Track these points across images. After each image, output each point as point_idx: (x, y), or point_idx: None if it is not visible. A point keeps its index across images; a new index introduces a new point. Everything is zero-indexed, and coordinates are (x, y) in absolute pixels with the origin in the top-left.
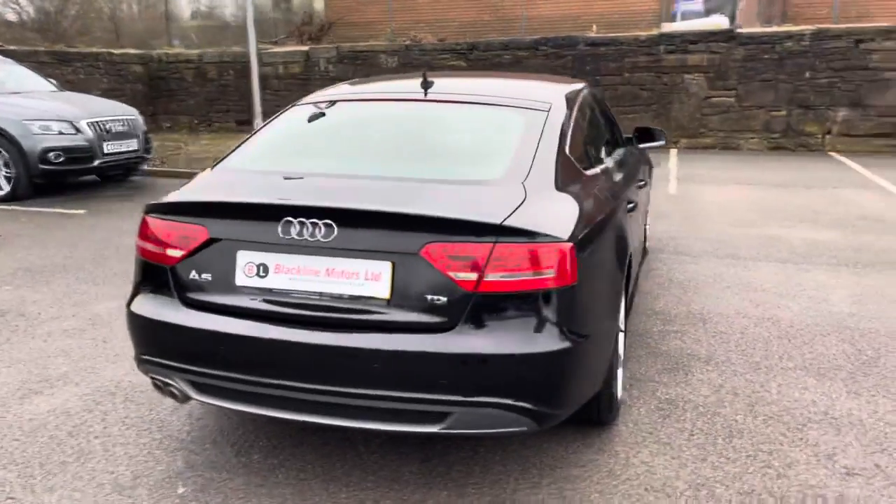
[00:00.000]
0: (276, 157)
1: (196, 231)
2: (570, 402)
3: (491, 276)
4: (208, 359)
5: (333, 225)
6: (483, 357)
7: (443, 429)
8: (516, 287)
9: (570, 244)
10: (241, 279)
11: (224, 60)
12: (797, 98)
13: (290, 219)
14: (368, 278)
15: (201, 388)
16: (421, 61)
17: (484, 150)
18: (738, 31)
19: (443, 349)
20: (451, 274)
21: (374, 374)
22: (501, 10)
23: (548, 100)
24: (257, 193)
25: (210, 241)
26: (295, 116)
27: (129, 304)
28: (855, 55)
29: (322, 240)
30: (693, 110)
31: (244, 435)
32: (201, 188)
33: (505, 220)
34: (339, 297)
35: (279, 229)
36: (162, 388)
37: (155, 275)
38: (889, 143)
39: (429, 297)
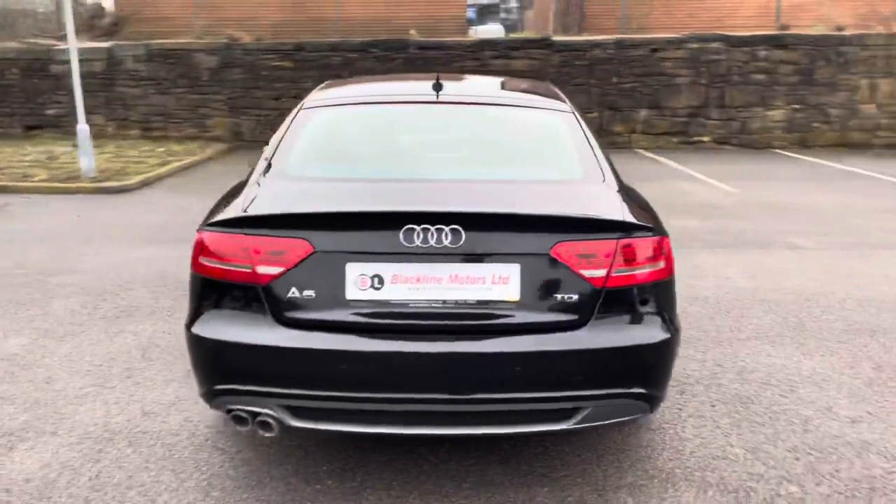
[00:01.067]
0: (339, 163)
1: (296, 245)
2: (668, 385)
3: (617, 272)
4: (312, 380)
5: (461, 230)
6: (617, 350)
7: (574, 424)
8: (637, 280)
9: (668, 237)
10: (352, 293)
11: (7, 58)
12: (606, 101)
13: (412, 226)
14: (496, 282)
15: (300, 413)
16: (244, 61)
17: (541, 150)
18: (554, 38)
19: (579, 346)
20: (582, 272)
21: (507, 377)
22: (312, 10)
23: (561, 100)
24: (367, 202)
25: (313, 255)
26: (320, 121)
27: (191, 330)
28: (652, 62)
29: (450, 246)
30: None
31: (299, 462)
32: (289, 199)
33: (625, 217)
34: (465, 304)
35: (400, 237)
36: (248, 420)
37: (232, 295)
38: (682, 139)
39: (559, 296)
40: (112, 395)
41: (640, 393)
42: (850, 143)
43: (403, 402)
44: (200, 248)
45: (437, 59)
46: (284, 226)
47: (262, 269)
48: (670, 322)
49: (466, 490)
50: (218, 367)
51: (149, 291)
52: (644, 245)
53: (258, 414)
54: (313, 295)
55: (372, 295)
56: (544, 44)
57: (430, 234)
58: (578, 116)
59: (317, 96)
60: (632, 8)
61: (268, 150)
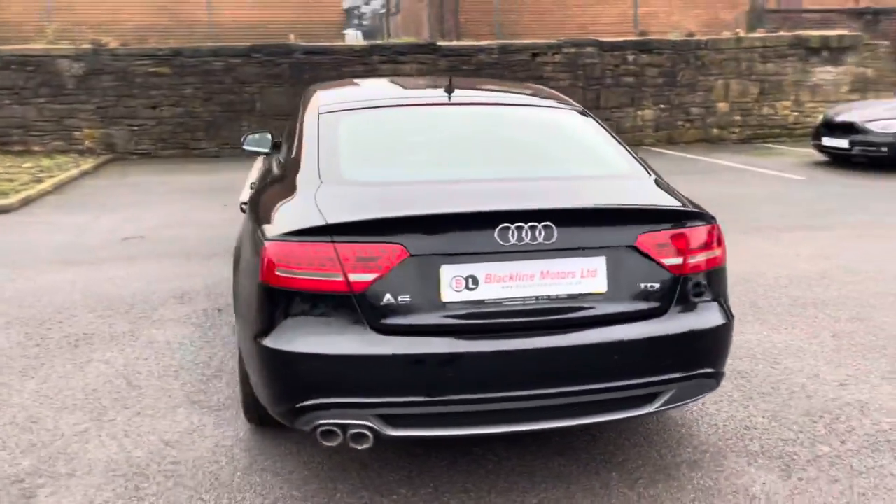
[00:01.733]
0: (392, 167)
1: (390, 250)
2: None
3: (691, 259)
4: (410, 386)
5: (553, 226)
6: (696, 334)
7: (657, 408)
8: (705, 267)
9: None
10: (448, 295)
11: None
12: None
13: (506, 225)
14: (584, 275)
15: (395, 422)
16: (114, 68)
17: (578, 148)
18: (440, 44)
19: (664, 333)
20: (663, 261)
21: (599, 368)
22: (180, 13)
23: (567, 101)
24: (457, 203)
25: (407, 259)
26: (349, 124)
27: (265, 345)
28: (534, 66)
29: (544, 242)
30: None
31: (361, 475)
32: (373, 204)
33: (690, 207)
34: (556, 299)
35: (496, 236)
36: (338, 434)
37: (318, 305)
38: None
39: (643, 285)
40: (117, 429)
41: (711, 372)
42: (710, 139)
43: (501, 401)
44: (277, 260)
45: (324, 63)
46: (376, 231)
47: (355, 277)
48: (727, 304)
49: (542, 484)
50: (307, 382)
51: (96, 316)
52: (708, 233)
53: (349, 427)
54: (408, 300)
55: (467, 296)
56: (430, 48)
57: (524, 232)
58: (593, 116)
59: (326, 100)
60: (503, 15)
61: (304, 155)
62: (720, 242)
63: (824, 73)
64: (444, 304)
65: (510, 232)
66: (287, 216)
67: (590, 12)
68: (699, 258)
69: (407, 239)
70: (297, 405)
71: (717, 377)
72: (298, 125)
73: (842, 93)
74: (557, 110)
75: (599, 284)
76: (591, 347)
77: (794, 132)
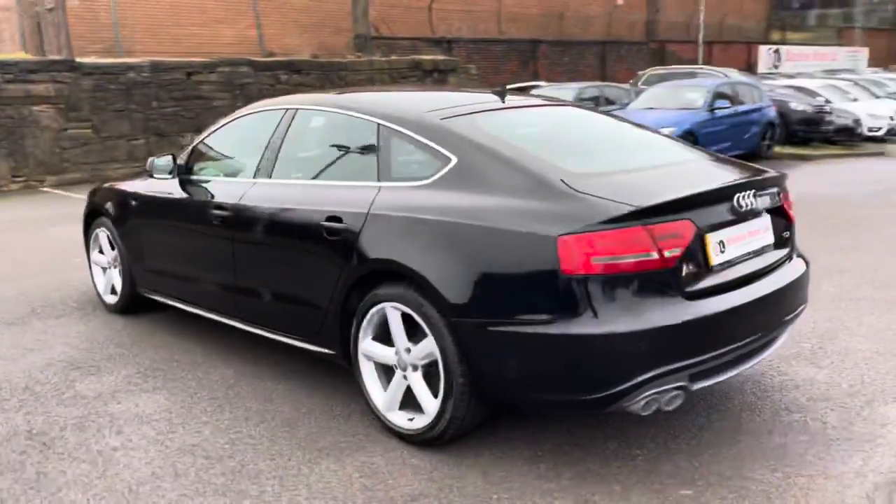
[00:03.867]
0: (569, 158)
1: (686, 226)
2: None
3: (791, 211)
4: (712, 342)
5: (756, 194)
6: (805, 274)
7: (783, 340)
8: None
9: None
10: (713, 259)
11: None
12: (151, 126)
13: (740, 195)
14: (764, 231)
15: (698, 377)
16: None
17: (647, 136)
18: (81, 61)
19: (801, 272)
20: (791, 214)
21: (786, 304)
22: None
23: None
24: (712, 181)
25: (695, 232)
26: (496, 124)
27: (586, 332)
28: (189, 86)
29: (756, 208)
30: (50, 145)
31: (483, 444)
32: (659, 187)
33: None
34: (758, 252)
35: (735, 206)
36: (657, 401)
37: (632, 284)
38: None
39: (783, 235)
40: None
41: (804, 308)
42: None
43: (755, 341)
44: (591, 249)
45: None
46: (673, 211)
47: (668, 253)
48: None
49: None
50: (637, 360)
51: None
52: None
53: (667, 392)
54: (692, 268)
55: (721, 258)
56: (70, 66)
57: (748, 200)
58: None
59: (428, 106)
60: (110, 31)
61: (491, 156)
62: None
63: None
64: (711, 267)
65: (740, 201)
66: (572, 207)
67: (206, 32)
68: (792, 211)
69: (693, 215)
70: (627, 385)
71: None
72: (401, 135)
73: None
74: (585, 110)
75: (770, 237)
76: (786, 287)
77: None
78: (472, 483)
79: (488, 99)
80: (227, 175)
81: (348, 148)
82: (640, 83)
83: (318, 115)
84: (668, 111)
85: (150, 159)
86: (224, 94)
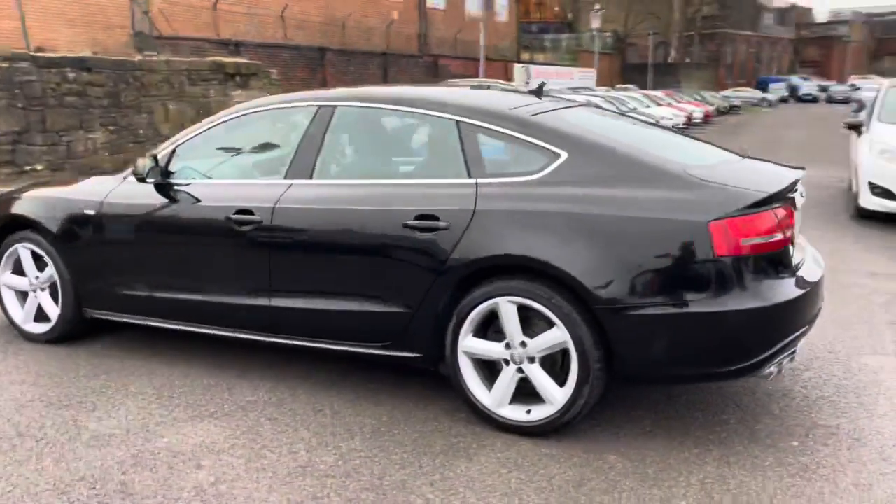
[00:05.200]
0: (654, 148)
1: (788, 211)
2: None
3: None
4: (810, 313)
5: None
6: None
7: None
8: None
9: None
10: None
11: None
12: None
13: (800, 185)
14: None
15: (795, 345)
16: None
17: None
18: None
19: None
20: None
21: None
22: None
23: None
24: (786, 174)
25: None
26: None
27: (739, 308)
28: None
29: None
30: None
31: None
32: (759, 179)
33: None
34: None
35: (798, 194)
36: (780, 365)
37: (762, 264)
38: (12, 169)
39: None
40: None
41: None
42: None
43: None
44: (742, 231)
45: None
46: (780, 197)
47: (787, 234)
48: None
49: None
50: (777, 330)
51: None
52: None
53: (785, 359)
54: (793, 248)
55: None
56: None
57: (801, 189)
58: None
59: (506, 103)
60: None
61: (623, 150)
62: None
63: (239, 97)
64: (795, 248)
65: (800, 191)
66: (709, 195)
67: None
68: None
69: (786, 201)
70: (767, 353)
71: None
72: (490, 131)
73: None
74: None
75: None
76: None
77: None
78: (618, 464)
79: (535, 99)
80: (232, 177)
81: (420, 145)
82: None
83: (369, 112)
84: None
85: (139, 161)
86: (1, 94)
